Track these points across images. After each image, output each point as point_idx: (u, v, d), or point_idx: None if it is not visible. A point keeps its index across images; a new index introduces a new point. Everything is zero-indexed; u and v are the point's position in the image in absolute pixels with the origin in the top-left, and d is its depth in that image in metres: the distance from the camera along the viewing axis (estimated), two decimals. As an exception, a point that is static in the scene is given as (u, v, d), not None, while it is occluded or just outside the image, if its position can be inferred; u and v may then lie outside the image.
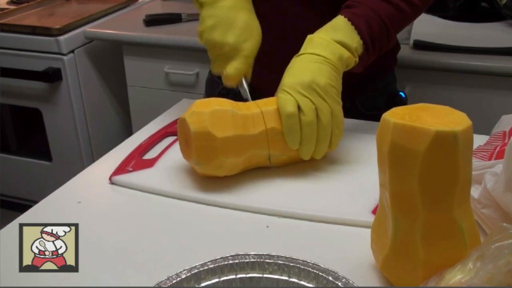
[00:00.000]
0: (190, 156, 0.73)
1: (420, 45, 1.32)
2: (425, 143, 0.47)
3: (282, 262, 0.54)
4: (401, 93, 1.08)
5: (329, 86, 0.73)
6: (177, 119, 0.92)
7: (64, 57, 1.66)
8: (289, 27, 0.92)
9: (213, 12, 0.79)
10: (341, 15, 0.78)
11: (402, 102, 1.08)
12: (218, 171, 0.73)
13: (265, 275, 0.54)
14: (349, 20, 0.77)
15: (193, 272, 0.54)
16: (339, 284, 0.51)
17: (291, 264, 0.54)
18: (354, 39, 0.76)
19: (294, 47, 0.78)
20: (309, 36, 0.77)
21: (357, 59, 0.77)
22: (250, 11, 0.81)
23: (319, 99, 0.72)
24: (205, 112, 0.70)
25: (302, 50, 0.77)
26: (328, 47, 0.75)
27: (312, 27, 0.79)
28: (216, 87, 1.06)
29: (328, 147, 0.75)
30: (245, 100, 0.82)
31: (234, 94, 1.03)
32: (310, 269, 0.53)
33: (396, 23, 0.81)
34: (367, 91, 1.00)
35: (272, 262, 0.55)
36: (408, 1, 0.81)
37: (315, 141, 0.73)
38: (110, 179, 0.77)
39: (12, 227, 0.67)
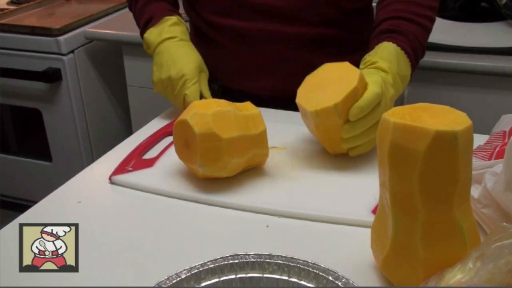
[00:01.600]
0: (191, 159, 0.72)
1: (420, 45, 1.32)
2: (425, 143, 0.47)
3: (282, 262, 0.54)
4: None
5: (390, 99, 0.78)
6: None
7: (64, 57, 1.66)
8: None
9: (156, 59, 0.94)
10: (391, 42, 0.83)
11: None
12: (221, 172, 0.72)
13: (265, 275, 0.54)
14: (402, 49, 0.83)
15: (193, 272, 0.54)
16: (339, 284, 0.51)
17: (291, 264, 0.54)
18: (408, 70, 0.84)
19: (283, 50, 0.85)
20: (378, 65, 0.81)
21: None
22: (185, 45, 0.95)
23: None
24: (208, 113, 0.70)
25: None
26: (395, 83, 0.81)
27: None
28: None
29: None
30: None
31: (214, 91, 1.06)
32: (310, 269, 0.53)
33: (425, 43, 0.89)
34: None
35: (272, 262, 0.54)
36: (431, 19, 0.89)
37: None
38: (110, 179, 0.77)
39: (12, 227, 0.67)
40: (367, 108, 0.73)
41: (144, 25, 0.98)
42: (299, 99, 0.76)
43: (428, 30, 0.89)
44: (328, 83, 0.75)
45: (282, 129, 0.86)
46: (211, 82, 1.04)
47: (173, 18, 0.96)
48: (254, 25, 0.95)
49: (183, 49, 0.93)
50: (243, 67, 0.98)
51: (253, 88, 0.98)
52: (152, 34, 0.96)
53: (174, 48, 0.93)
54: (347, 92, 0.72)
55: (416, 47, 0.85)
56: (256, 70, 0.97)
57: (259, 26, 0.94)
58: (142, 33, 0.99)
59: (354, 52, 0.93)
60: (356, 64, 0.80)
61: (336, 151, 0.78)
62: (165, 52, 0.93)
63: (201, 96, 0.93)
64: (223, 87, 1.04)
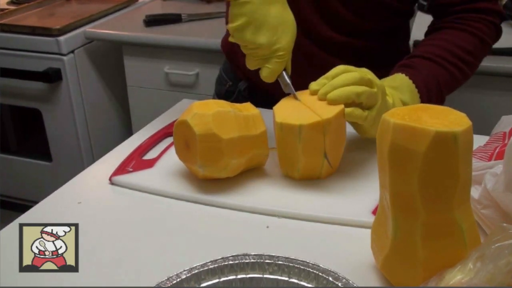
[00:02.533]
0: (191, 159, 0.72)
1: (420, 46, 1.32)
2: (425, 144, 0.47)
3: (282, 263, 0.54)
4: None
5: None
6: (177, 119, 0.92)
7: (64, 58, 1.66)
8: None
9: (242, 10, 0.72)
10: (402, 73, 0.82)
11: None
12: (221, 173, 0.72)
13: (265, 276, 0.54)
14: (410, 78, 0.80)
15: (193, 272, 0.54)
16: (339, 284, 0.51)
17: (291, 264, 0.54)
18: (415, 101, 0.80)
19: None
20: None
21: None
22: (282, 2, 0.74)
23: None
24: (208, 114, 0.70)
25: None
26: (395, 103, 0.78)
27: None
28: (224, 85, 1.07)
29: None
30: (287, 94, 0.78)
31: (239, 92, 1.03)
32: (310, 269, 0.53)
33: (448, 88, 0.86)
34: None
35: (272, 263, 0.55)
36: (461, 69, 0.85)
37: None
38: (110, 179, 0.77)
39: (12, 227, 0.67)
40: (331, 74, 0.72)
41: None
42: (277, 107, 0.74)
43: (456, 78, 0.86)
44: (315, 106, 0.72)
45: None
46: (238, 81, 1.02)
47: None
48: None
49: (279, 8, 0.74)
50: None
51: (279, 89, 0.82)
52: None
53: (269, 4, 0.73)
54: (316, 120, 0.69)
55: (429, 82, 0.83)
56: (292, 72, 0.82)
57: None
58: None
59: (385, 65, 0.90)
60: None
61: (289, 172, 0.75)
62: (259, 5, 0.72)
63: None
64: (249, 88, 1.02)
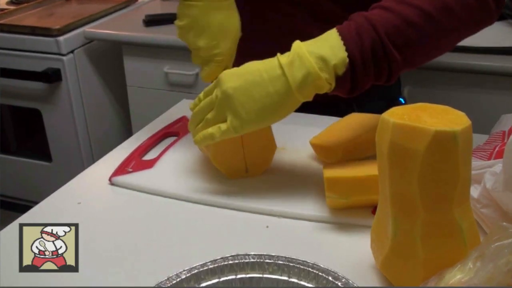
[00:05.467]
0: (241, 157, 0.75)
1: (420, 45, 1.32)
2: (425, 143, 0.47)
3: (282, 262, 0.54)
4: (400, 99, 1.04)
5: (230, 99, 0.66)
6: (177, 119, 0.92)
7: (64, 58, 1.66)
8: (287, 30, 0.90)
9: (187, 12, 0.74)
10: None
11: None
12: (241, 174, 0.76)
13: (265, 275, 0.54)
14: (338, 30, 0.65)
15: (193, 272, 0.54)
16: (339, 284, 0.51)
17: (291, 264, 0.54)
18: (337, 55, 0.63)
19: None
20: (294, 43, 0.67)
21: (332, 81, 0.64)
22: (227, 9, 0.75)
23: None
24: None
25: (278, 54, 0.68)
26: (296, 62, 0.64)
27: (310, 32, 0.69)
28: None
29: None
30: None
31: None
32: (309, 269, 0.53)
33: (400, 35, 0.64)
34: (365, 95, 0.99)
35: (272, 262, 0.55)
36: (422, 10, 0.65)
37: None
38: (110, 179, 0.77)
39: (12, 227, 0.67)
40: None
41: None
42: None
43: (414, 26, 0.65)
44: None
45: (282, 129, 0.86)
46: None
47: None
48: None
49: (223, 16, 0.75)
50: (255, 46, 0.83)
51: None
52: None
53: (214, 11, 0.74)
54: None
55: (361, 28, 0.64)
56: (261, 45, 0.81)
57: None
58: None
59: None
60: None
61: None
62: (203, 10, 0.74)
63: None
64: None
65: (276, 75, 0.64)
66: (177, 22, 0.76)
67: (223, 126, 0.67)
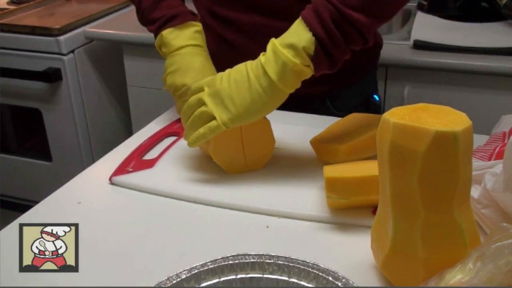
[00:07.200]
0: (240, 151, 0.75)
1: (420, 45, 1.32)
2: (425, 143, 0.47)
3: (282, 262, 0.54)
4: (375, 96, 1.06)
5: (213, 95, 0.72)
6: (177, 119, 0.92)
7: (64, 57, 1.66)
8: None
9: (173, 60, 0.88)
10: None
11: (376, 105, 1.07)
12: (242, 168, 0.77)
13: (265, 275, 0.54)
14: (301, 15, 0.68)
15: (193, 272, 0.54)
16: (339, 284, 0.51)
17: (291, 264, 0.54)
18: (302, 37, 0.66)
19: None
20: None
21: (308, 63, 0.67)
22: (205, 56, 0.89)
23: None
24: None
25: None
26: (271, 57, 0.68)
27: None
28: None
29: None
30: None
31: None
32: (310, 269, 0.53)
33: (355, 0, 0.66)
34: (339, 92, 1.00)
35: (272, 262, 0.55)
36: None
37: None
38: (110, 179, 0.77)
39: (12, 227, 0.67)
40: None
41: (164, 22, 0.90)
42: None
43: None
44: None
45: (282, 129, 0.86)
46: None
47: (198, 25, 0.91)
48: (248, 18, 0.93)
49: (203, 59, 0.89)
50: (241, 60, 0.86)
51: None
52: (175, 36, 0.89)
53: (195, 56, 0.88)
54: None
55: (318, 5, 0.67)
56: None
57: (254, 20, 0.93)
58: (158, 29, 0.91)
59: None
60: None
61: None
62: (186, 56, 0.88)
63: None
64: None
65: (260, 74, 0.69)
66: (164, 75, 0.89)
67: (213, 123, 0.71)
